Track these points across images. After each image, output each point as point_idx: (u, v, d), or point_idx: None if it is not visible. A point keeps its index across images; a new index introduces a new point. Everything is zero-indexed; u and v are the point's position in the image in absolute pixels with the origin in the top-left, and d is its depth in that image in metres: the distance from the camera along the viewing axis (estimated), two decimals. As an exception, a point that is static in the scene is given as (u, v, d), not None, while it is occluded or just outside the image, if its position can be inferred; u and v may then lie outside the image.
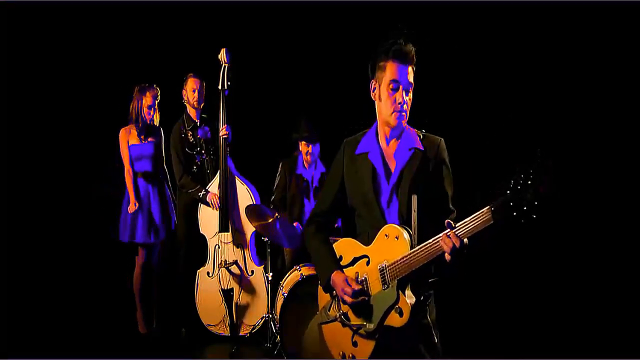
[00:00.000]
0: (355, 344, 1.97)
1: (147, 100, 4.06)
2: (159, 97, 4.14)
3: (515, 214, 1.51)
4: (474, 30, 4.52)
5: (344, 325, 2.00)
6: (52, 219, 4.92)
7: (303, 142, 4.14)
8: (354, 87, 3.14)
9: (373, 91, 1.97)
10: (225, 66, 4.05)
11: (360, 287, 1.92)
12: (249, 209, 3.80)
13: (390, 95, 1.90)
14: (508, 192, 1.52)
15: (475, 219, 1.65)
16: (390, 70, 1.89)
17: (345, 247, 2.07)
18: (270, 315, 3.81)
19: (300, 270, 3.63)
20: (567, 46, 4.32)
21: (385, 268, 1.87)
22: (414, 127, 2.02)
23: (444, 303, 2.13)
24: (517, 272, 4.55)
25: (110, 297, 4.67)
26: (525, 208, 1.49)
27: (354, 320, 1.96)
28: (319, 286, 2.12)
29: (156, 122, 4.18)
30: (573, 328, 3.95)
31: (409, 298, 1.83)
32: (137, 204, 4.00)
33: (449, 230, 1.70)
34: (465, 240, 1.68)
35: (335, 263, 2.03)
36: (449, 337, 2.11)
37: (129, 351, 3.85)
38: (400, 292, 1.84)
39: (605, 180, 4.26)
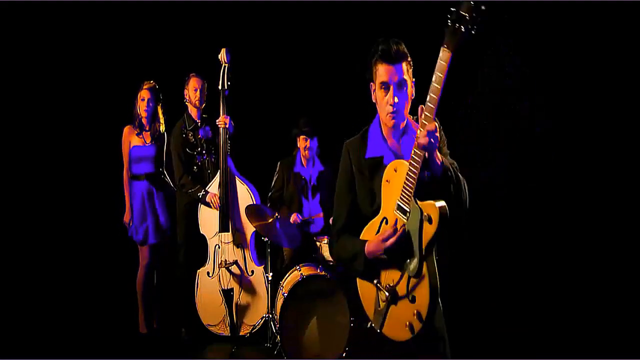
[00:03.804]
0: (413, 300, 1.87)
1: (142, 93, 4.06)
2: (158, 91, 4.11)
3: (461, 27, 1.61)
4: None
5: (396, 301, 1.92)
6: (51, 219, 4.92)
7: (302, 137, 4.14)
8: (352, 86, 3.14)
9: (373, 92, 1.98)
10: (225, 66, 4.04)
11: (394, 227, 1.87)
12: (249, 209, 3.80)
13: (382, 97, 1.92)
14: (448, 22, 1.63)
15: (438, 62, 1.68)
16: (380, 72, 1.91)
17: (363, 234, 2.03)
18: (270, 315, 3.81)
19: (300, 270, 3.63)
20: (565, 45, 4.33)
21: (399, 201, 1.84)
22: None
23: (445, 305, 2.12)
24: (517, 272, 4.55)
25: (111, 297, 4.66)
26: (467, 17, 1.60)
27: (402, 276, 1.88)
28: (360, 286, 2.06)
29: (162, 126, 4.18)
30: (573, 328, 3.95)
31: (431, 204, 1.78)
32: (131, 217, 4.05)
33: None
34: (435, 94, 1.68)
35: (364, 241, 1.98)
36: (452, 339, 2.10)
37: (129, 351, 3.85)
38: (419, 203, 1.79)
39: (606, 178, 4.25)
